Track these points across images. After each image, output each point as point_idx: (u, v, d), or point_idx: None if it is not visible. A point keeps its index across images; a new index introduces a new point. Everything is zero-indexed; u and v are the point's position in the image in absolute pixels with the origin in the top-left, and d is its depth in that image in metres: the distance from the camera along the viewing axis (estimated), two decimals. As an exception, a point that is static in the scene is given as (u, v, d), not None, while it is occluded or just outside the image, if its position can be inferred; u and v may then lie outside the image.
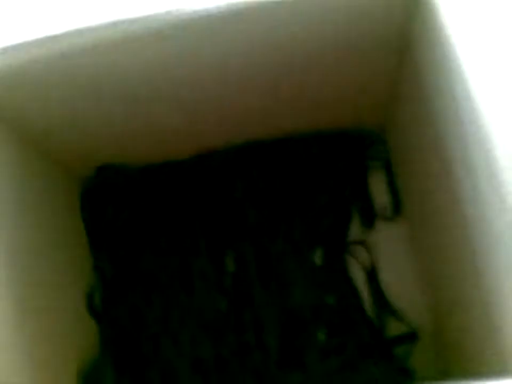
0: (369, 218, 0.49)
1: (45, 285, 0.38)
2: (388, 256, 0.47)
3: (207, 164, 0.47)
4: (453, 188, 0.34)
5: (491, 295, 0.32)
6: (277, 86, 0.40)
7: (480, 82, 0.28)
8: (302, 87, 0.41)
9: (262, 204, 0.48)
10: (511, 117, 0.26)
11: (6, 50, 0.30)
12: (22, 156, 0.39)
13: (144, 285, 0.46)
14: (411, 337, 0.43)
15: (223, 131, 0.46)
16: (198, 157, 0.48)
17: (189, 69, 0.36)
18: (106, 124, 0.41)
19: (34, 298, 0.37)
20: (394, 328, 0.45)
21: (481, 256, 0.33)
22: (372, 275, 0.47)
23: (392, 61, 0.40)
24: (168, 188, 0.48)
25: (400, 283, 0.46)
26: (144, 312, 0.45)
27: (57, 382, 0.37)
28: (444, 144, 0.35)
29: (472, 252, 0.34)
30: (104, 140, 0.44)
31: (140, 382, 0.42)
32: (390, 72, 0.42)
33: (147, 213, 0.48)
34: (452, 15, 0.29)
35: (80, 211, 0.47)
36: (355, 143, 0.49)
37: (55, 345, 0.38)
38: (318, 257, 0.47)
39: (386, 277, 0.47)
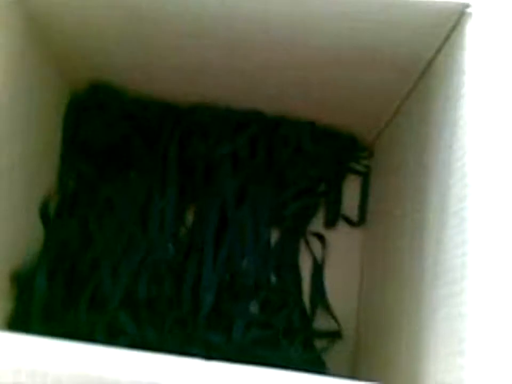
0: (333, 217, 0.50)
1: (8, 174, 0.38)
2: (339, 257, 0.49)
3: (201, 115, 0.48)
4: (419, 218, 0.36)
5: (411, 318, 0.34)
6: (299, 66, 0.41)
7: (476, 142, 0.29)
8: (320, 78, 0.42)
9: (237, 171, 0.48)
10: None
11: None
12: (23, 47, 0.38)
13: (101, 208, 0.47)
14: (334, 334, 0.45)
15: (229, 89, 0.46)
16: (194, 107, 0.48)
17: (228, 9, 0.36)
18: (114, 41, 0.41)
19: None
20: (323, 321, 0.46)
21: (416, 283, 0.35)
22: (319, 268, 0.48)
23: (404, 85, 0.42)
24: (154, 127, 0.48)
25: (342, 284, 0.48)
26: (93, 233, 0.45)
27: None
28: (422, 181, 0.37)
29: (409, 277, 0.36)
30: (106, 58, 0.44)
31: (69, 298, 0.42)
32: (397, 93, 0.43)
33: (125, 143, 0.48)
34: (474, 62, 0.31)
35: (63, 120, 0.47)
36: (343, 144, 0.50)
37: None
38: (274, 237, 0.49)
39: (331, 275, 0.48)
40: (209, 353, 0.40)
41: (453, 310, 0.28)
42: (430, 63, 0.38)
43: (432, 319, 0.31)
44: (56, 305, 0.41)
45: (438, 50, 0.36)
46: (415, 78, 0.40)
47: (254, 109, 0.48)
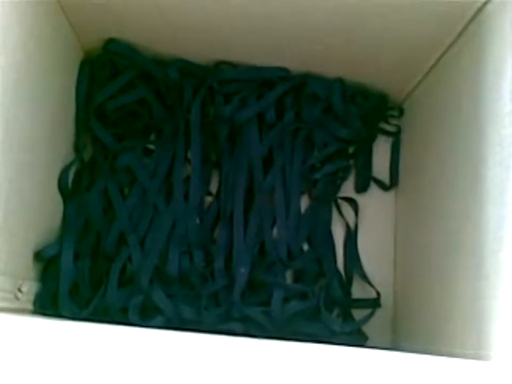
0: (364, 181, 0.48)
1: (24, 143, 0.35)
2: (373, 222, 0.47)
3: (224, 74, 0.44)
4: (475, 173, 0.33)
5: (470, 280, 0.32)
6: (327, 20, 0.38)
7: None
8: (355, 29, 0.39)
9: (264, 135, 0.45)
10: None
11: None
12: (36, 5, 0.34)
13: (122, 179, 0.43)
14: (373, 302, 0.43)
15: (253, 46, 0.42)
16: (217, 66, 0.44)
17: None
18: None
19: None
20: (359, 290, 0.45)
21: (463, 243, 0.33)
22: (352, 234, 0.46)
23: (443, 38, 0.38)
24: (174, 89, 0.45)
25: (377, 250, 0.46)
26: (116, 207, 0.42)
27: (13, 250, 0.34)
28: (468, 135, 0.34)
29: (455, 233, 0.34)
30: (122, 14, 0.40)
31: (96, 276, 0.40)
32: (434, 47, 0.40)
33: (144, 107, 0.45)
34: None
35: (76, 83, 0.43)
36: (373, 102, 0.47)
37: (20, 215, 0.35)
38: (304, 204, 0.46)
39: (365, 241, 0.46)
40: (248, 329, 0.38)
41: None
42: (475, 14, 0.35)
43: (498, 284, 0.29)
44: (84, 284, 0.39)
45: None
46: (457, 30, 0.37)
47: (279, 66, 0.45)
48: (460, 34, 0.38)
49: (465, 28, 0.37)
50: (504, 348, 0.28)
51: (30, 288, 0.36)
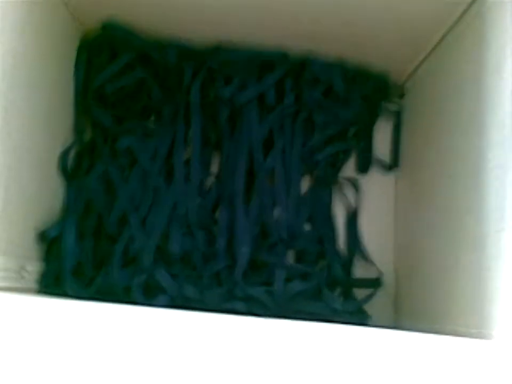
0: (366, 162, 0.48)
1: (23, 129, 0.35)
2: (374, 203, 0.47)
3: (224, 56, 0.44)
4: (477, 153, 0.33)
5: (471, 260, 0.32)
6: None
7: None
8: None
9: (264, 116, 0.45)
10: None
11: None
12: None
13: (122, 161, 0.43)
14: (375, 282, 0.43)
15: (253, 27, 0.42)
16: (217, 48, 0.44)
17: None
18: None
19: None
20: (361, 270, 0.45)
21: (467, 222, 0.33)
22: (353, 215, 0.46)
23: (447, 17, 0.38)
24: (173, 70, 0.44)
25: (378, 230, 0.46)
26: (117, 188, 0.42)
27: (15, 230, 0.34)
28: (470, 116, 0.34)
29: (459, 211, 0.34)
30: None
31: (99, 256, 0.40)
32: (437, 27, 0.40)
33: (143, 89, 0.45)
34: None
35: (74, 66, 0.43)
36: (374, 84, 0.47)
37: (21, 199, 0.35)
38: (305, 185, 0.46)
39: (367, 221, 0.46)
40: (251, 309, 0.39)
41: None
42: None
43: (501, 263, 0.29)
44: (87, 264, 0.39)
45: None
46: (460, 10, 0.37)
47: (280, 48, 0.45)
48: (462, 15, 0.38)
49: (468, 8, 0.37)
50: (506, 327, 0.28)
51: (34, 268, 0.36)
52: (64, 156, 0.41)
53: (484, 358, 0.27)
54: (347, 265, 0.44)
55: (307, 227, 0.45)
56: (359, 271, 0.45)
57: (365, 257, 0.45)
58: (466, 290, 0.33)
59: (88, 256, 0.39)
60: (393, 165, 0.48)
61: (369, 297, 0.42)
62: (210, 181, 0.45)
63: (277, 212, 0.44)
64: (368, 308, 0.42)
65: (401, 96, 0.48)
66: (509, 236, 0.29)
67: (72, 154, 0.43)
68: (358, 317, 0.41)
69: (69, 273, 0.37)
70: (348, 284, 0.43)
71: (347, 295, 0.43)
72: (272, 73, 0.45)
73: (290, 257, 0.44)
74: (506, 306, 0.28)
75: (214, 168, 0.46)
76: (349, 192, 0.47)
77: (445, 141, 0.39)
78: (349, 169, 0.48)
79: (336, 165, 0.47)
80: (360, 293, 0.44)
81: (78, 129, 0.43)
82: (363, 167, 0.48)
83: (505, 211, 0.29)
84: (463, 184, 0.35)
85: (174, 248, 0.40)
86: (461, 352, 0.27)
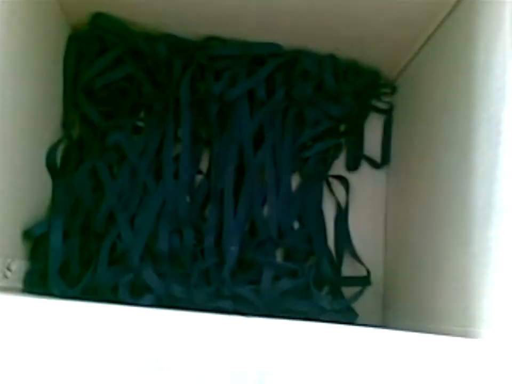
0: (356, 159, 0.48)
1: (10, 121, 0.34)
2: (364, 200, 0.47)
3: (214, 50, 0.43)
4: (464, 150, 0.33)
5: (458, 258, 0.32)
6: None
7: None
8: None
9: (254, 112, 0.45)
10: None
11: None
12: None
13: (111, 157, 0.43)
14: (364, 280, 0.43)
15: (243, 21, 0.42)
16: (206, 42, 0.44)
17: None
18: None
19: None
20: (350, 268, 0.45)
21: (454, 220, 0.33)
22: (343, 213, 0.46)
23: (437, 11, 0.38)
24: (163, 64, 0.44)
25: (368, 228, 0.46)
26: (105, 185, 0.42)
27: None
28: (459, 114, 0.34)
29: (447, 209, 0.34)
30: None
31: (86, 255, 0.39)
32: (428, 22, 0.39)
33: (132, 84, 0.44)
34: None
35: (63, 59, 0.42)
36: (365, 79, 0.47)
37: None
38: (295, 182, 0.46)
39: (356, 219, 0.46)
40: (238, 307, 0.38)
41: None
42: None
43: (486, 261, 0.29)
44: (74, 263, 0.38)
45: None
46: (450, 5, 0.37)
47: (270, 42, 0.44)
48: (451, 12, 0.37)
49: (456, 4, 0.36)
50: (492, 325, 0.28)
51: (19, 266, 0.36)
52: (51, 151, 0.40)
53: (469, 357, 0.27)
54: (336, 263, 0.44)
55: (296, 225, 0.45)
56: (349, 269, 0.45)
57: (354, 255, 0.45)
58: (452, 287, 0.33)
59: (75, 254, 0.38)
60: (383, 162, 0.48)
61: (357, 295, 0.42)
62: (200, 178, 0.45)
63: (266, 209, 0.44)
64: (357, 306, 0.42)
65: (392, 93, 0.48)
66: (494, 233, 0.28)
67: (60, 150, 0.42)
68: (346, 316, 0.41)
69: (55, 272, 0.37)
70: (336, 282, 0.43)
71: (335, 293, 0.43)
72: (263, 68, 0.44)
73: (279, 255, 0.44)
74: (492, 305, 0.28)
75: (204, 165, 0.45)
76: (339, 190, 0.47)
77: (436, 138, 0.38)
78: (339, 166, 0.47)
79: (326, 161, 0.47)
80: (349, 291, 0.44)
81: (66, 125, 0.43)
82: (353, 164, 0.47)
83: (492, 209, 0.29)
84: (452, 182, 0.34)
85: (162, 247, 0.40)
86: (446, 351, 0.27)
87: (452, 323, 0.32)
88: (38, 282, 0.37)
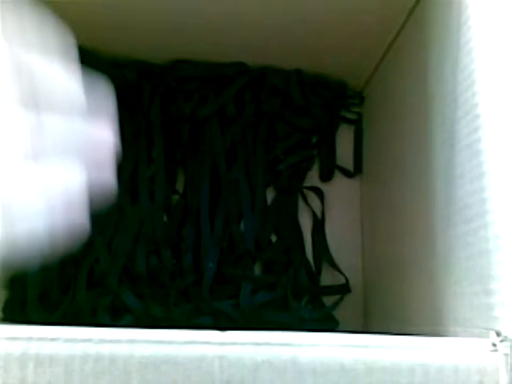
0: (329, 169, 0.48)
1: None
2: (339, 210, 0.48)
3: (182, 71, 0.44)
4: (424, 159, 0.34)
5: (425, 260, 0.33)
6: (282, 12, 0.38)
7: (485, 70, 0.27)
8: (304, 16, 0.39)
9: (225, 129, 0.46)
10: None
11: None
12: None
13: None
14: (342, 288, 0.44)
15: (210, 42, 0.43)
16: (174, 64, 0.45)
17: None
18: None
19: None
20: (329, 278, 0.45)
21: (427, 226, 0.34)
22: (319, 223, 0.47)
23: (394, 22, 0.39)
24: (133, 88, 0.45)
25: (344, 237, 0.47)
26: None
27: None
28: (423, 120, 0.35)
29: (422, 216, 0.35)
30: (78, 17, 0.40)
31: (64, 280, 0.40)
32: (387, 32, 0.40)
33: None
34: None
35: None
36: (333, 91, 0.48)
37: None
38: (270, 196, 0.47)
39: (333, 229, 0.47)
40: (218, 323, 0.39)
41: (474, 248, 0.27)
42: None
43: (449, 260, 0.30)
44: (52, 288, 0.39)
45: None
46: (407, 13, 0.38)
47: (237, 61, 0.45)
48: (408, 18, 0.38)
49: (413, 9, 0.37)
50: (459, 323, 0.28)
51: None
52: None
53: (438, 354, 0.27)
54: (314, 273, 0.45)
55: (274, 238, 0.46)
56: (328, 278, 0.45)
57: (333, 264, 0.45)
58: (421, 290, 0.33)
59: (54, 281, 0.39)
60: (356, 170, 0.48)
61: (337, 303, 0.43)
62: (175, 197, 0.46)
63: (243, 224, 0.45)
64: (338, 313, 0.43)
65: (361, 103, 0.49)
66: (454, 233, 0.29)
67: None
68: (327, 324, 0.41)
69: (34, 300, 0.37)
70: (315, 291, 0.44)
71: (315, 303, 0.43)
72: (231, 87, 0.45)
73: (258, 269, 0.45)
74: (456, 304, 0.29)
75: (180, 184, 0.46)
76: (314, 200, 0.48)
77: (401, 145, 0.39)
78: (313, 177, 0.48)
79: (300, 173, 0.47)
80: (329, 300, 0.44)
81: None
82: (326, 175, 0.48)
83: (451, 210, 0.30)
84: (416, 187, 0.35)
85: (140, 268, 0.41)
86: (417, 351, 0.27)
87: (422, 324, 0.33)
88: (18, 310, 0.37)
